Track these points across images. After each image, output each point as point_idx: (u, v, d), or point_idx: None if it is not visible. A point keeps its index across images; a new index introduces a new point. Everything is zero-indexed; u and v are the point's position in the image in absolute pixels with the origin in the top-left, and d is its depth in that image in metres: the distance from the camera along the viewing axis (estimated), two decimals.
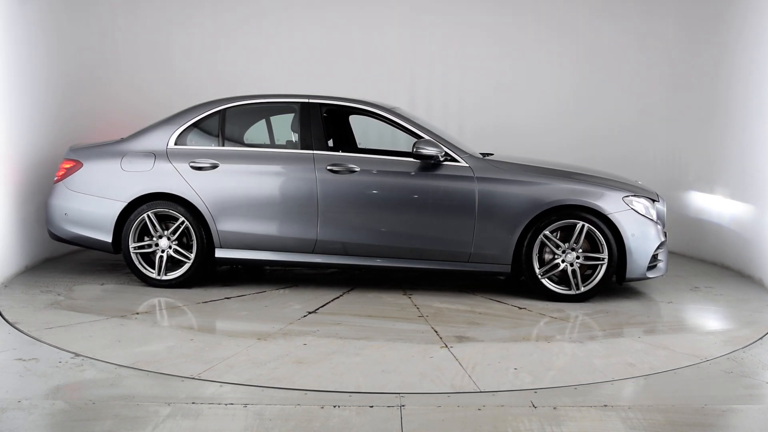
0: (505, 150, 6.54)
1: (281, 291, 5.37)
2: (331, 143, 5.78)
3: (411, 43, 8.03)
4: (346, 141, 6.16)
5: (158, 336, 4.27)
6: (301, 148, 5.28)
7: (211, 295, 5.20)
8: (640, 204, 5.08)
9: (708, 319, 4.95)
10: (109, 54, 7.21)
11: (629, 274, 5.03)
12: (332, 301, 5.09)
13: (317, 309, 4.87)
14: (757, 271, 5.87)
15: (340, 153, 5.31)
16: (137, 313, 4.70)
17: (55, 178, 5.55)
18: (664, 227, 5.24)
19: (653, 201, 5.21)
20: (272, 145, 5.66)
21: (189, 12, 7.65)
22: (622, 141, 7.63)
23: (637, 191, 5.19)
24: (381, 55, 8.00)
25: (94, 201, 5.38)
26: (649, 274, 5.11)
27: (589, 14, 7.76)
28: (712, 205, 6.65)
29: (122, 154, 5.43)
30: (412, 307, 4.94)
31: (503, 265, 5.08)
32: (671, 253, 6.92)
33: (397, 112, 5.41)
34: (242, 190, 5.23)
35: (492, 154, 5.81)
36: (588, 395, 3.42)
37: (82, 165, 5.46)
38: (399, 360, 3.85)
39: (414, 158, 5.10)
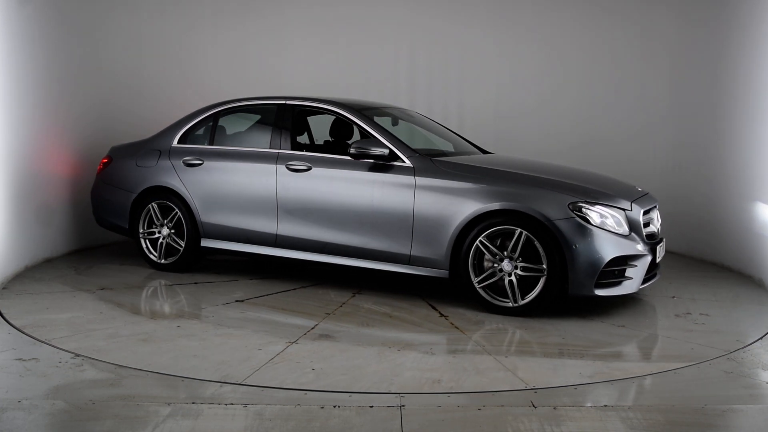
0: (508, 150, 6.56)
1: (252, 281, 5.65)
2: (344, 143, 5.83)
3: (412, 43, 8.05)
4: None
5: (82, 307, 4.83)
6: (270, 147, 5.52)
7: (190, 278, 5.70)
8: (594, 212, 4.54)
9: (625, 351, 4.16)
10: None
11: (572, 290, 4.51)
12: (278, 293, 5.28)
13: (248, 299, 5.10)
14: (756, 271, 5.87)
15: (299, 152, 5.44)
16: (102, 289, 5.33)
17: (96, 172, 6.36)
18: (646, 240, 4.73)
19: (623, 210, 4.68)
20: (250, 143, 5.86)
21: (184, 10, 7.67)
22: (622, 139, 7.62)
23: (598, 198, 4.64)
24: (382, 55, 8.02)
25: (117, 192, 6.09)
26: (600, 292, 4.52)
27: (589, 13, 7.76)
28: (711, 204, 6.65)
29: (138, 152, 6.11)
30: (334, 305, 4.96)
31: (441, 270, 4.84)
32: (675, 255, 6.93)
33: (367, 114, 5.39)
34: (220, 185, 5.63)
35: (492, 153, 5.86)
36: (588, 395, 3.42)
37: (112, 161, 6.22)
38: (227, 349, 3.98)
39: (354, 157, 5.08)
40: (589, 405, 3.29)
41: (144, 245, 5.95)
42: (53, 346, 3.96)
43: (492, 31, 7.98)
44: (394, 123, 6.07)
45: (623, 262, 4.60)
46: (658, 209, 5.20)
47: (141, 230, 5.94)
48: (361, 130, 5.34)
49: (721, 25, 6.52)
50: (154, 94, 7.37)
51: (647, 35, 7.48)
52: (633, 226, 4.69)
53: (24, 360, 3.74)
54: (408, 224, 4.89)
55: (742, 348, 4.14)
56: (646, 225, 4.85)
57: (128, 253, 6.52)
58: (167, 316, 4.74)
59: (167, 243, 5.86)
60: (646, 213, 4.86)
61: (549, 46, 7.90)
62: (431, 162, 4.98)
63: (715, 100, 6.61)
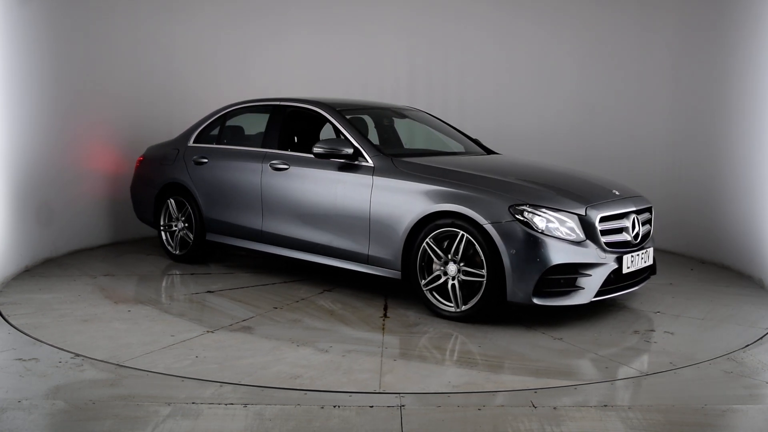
0: (506, 149, 6.56)
1: (245, 274, 5.89)
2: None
3: (412, 42, 8.06)
4: (394, 144, 6.19)
5: (69, 290, 5.25)
6: (262, 146, 5.68)
7: (192, 269, 6.07)
8: (539, 216, 4.28)
9: (529, 364, 3.83)
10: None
11: (510, 297, 4.28)
12: (255, 286, 5.48)
13: (221, 290, 5.35)
14: (756, 271, 5.86)
15: (281, 151, 5.53)
16: (105, 275, 5.78)
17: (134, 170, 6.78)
18: (606, 248, 4.40)
19: (576, 215, 4.36)
20: (247, 143, 6.03)
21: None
22: (622, 138, 7.63)
23: (545, 201, 4.36)
24: (382, 54, 8.03)
25: (146, 188, 6.48)
26: (539, 301, 4.25)
27: (589, 12, 7.76)
28: (712, 204, 6.64)
29: (163, 151, 6.45)
30: (292, 300, 5.08)
31: (394, 271, 4.78)
32: (676, 255, 6.93)
33: (347, 116, 5.40)
34: (219, 182, 5.86)
35: (498, 154, 5.91)
36: (588, 395, 3.42)
37: (145, 159, 6.62)
38: (145, 333, 4.24)
39: (317, 156, 5.11)
40: (589, 405, 3.29)
41: (164, 237, 6.36)
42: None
43: (491, 30, 7.99)
44: (389, 123, 6.09)
45: (573, 270, 4.31)
46: (644, 215, 4.84)
47: (161, 223, 6.35)
48: (335, 128, 5.38)
49: (721, 24, 6.52)
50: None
51: (647, 34, 7.48)
52: (589, 232, 4.38)
53: (24, 360, 3.74)
54: (365, 224, 4.88)
55: (742, 348, 4.14)
56: (616, 231, 4.54)
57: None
58: (130, 301, 5.03)
59: (181, 236, 6.23)
60: (609, 219, 4.51)
61: (548, 44, 7.90)
62: (391, 162, 4.92)
63: (715, 99, 6.61)
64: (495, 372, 3.73)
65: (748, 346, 4.16)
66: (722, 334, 4.46)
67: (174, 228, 6.29)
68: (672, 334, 4.45)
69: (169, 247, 6.34)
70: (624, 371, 3.77)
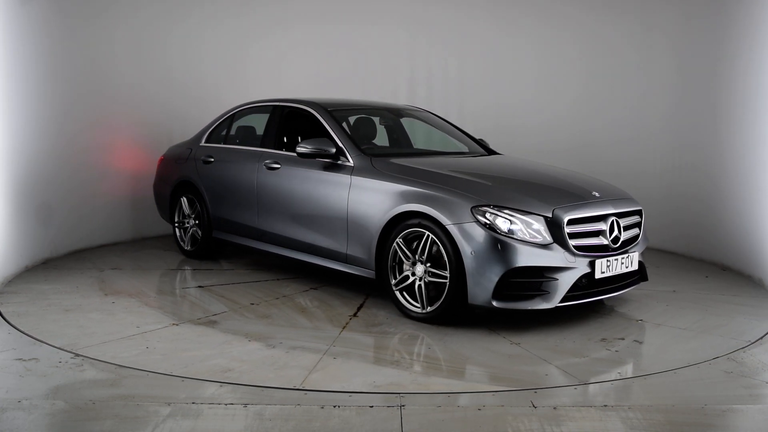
0: (506, 150, 6.56)
1: (245, 271, 6.00)
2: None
3: (412, 40, 8.07)
4: (400, 143, 6.23)
5: (71, 282, 5.46)
6: (261, 146, 5.78)
7: (198, 265, 6.23)
8: (502, 218, 4.19)
9: (462, 367, 3.81)
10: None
11: (471, 299, 4.20)
12: (247, 282, 5.58)
13: (212, 285, 5.46)
14: (756, 270, 5.86)
15: (274, 151, 5.62)
16: (113, 268, 6.00)
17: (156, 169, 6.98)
18: (575, 251, 4.26)
19: (542, 216, 4.25)
20: (248, 143, 6.12)
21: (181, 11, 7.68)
22: (623, 138, 7.63)
23: (509, 203, 4.27)
24: (382, 51, 8.04)
25: (164, 186, 6.68)
26: (499, 304, 4.15)
27: (590, 13, 7.76)
28: (712, 204, 6.64)
29: (179, 150, 6.64)
30: (273, 296, 5.16)
31: (369, 270, 4.78)
32: (676, 255, 6.93)
33: (336, 116, 5.41)
34: (222, 180, 5.99)
35: (500, 154, 5.92)
36: (588, 395, 3.42)
37: (165, 158, 6.80)
38: (113, 324, 4.39)
39: (300, 156, 5.12)
40: (589, 405, 3.29)
41: (177, 234, 6.55)
42: (50, 345, 3.97)
43: (492, 30, 7.99)
44: (386, 123, 6.09)
45: (538, 273, 4.21)
46: (629, 218, 4.67)
47: (176, 220, 6.56)
48: (323, 128, 5.34)
49: (721, 25, 6.52)
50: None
51: (648, 35, 7.48)
52: (557, 235, 4.25)
53: (24, 360, 3.74)
54: (344, 223, 4.91)
55: (742, 348, 4.14)
56: (591, 234, 4.40)
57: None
58: (120, 293, 5.18)
59: (192, 233, 6.41)
60: (581, 221, 4.37)
61: (549, 45, 7.91)
62: (370, 162, 4.92)
63: (715, 100, 6.61)
64: (426, 374, 3.67)
65: (716, 358, 3.94)
66: (694, 346, 4.18)
67: (186, 225, 6.45)
68: (640, 343, 4.25)
69: (181, 243, 6.53)
70: (564, 380, 3.60)
